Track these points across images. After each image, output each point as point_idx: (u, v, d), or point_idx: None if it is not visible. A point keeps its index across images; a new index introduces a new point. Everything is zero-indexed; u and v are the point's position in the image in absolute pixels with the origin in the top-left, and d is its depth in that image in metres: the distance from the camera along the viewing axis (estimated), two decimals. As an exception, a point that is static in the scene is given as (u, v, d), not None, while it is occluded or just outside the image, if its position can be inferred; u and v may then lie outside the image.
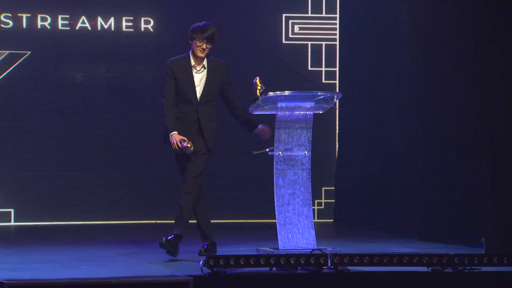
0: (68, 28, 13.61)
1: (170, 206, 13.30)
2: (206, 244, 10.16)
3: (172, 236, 9.90)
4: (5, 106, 13.42)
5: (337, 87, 13.98)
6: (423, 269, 9.46)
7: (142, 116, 13.57)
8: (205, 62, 9.86)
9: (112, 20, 13.73)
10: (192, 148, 9.65)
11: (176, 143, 9.65)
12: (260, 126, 10.16)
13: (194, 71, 9.81)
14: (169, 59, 9.84)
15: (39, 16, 13.51)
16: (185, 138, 9.65)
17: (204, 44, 9.72)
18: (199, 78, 9.83)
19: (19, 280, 8.81)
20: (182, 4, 13.77)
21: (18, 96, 13.45)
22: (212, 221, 13.52)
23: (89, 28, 13.67)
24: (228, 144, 13.74)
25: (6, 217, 13.37)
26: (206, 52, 9.77)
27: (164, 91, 9.83)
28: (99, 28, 13.66)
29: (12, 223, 13.39)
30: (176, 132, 9.70)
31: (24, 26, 13.49)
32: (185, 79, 9.78)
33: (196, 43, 9.71)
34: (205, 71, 9.85)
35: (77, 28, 13.64)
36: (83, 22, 13.65)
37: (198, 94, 9.81)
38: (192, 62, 9.80)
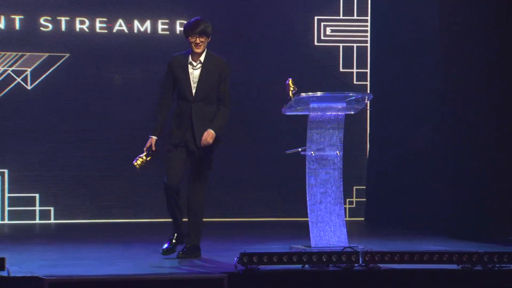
0: (106, 31, 13.65)
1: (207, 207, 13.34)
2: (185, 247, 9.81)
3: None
4: (44, 107, 13.47)
5: (368, 88, 13.94)
6: (453, 266, 9.43)
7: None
8: (202, 58, 9.51)
9: (148, 23, 13.75)
10: (137, 164, 9.41)
11: (146, 147, 9.46)
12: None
13: (190, 67, 9.50)
14: (172, 55, 9.65)
15: (77, 19, 13.56)
16: (151, 149, 9.44)
17: (197, 38, 9.39)
18: (196, 74, 9.51)
19: (58, 276, 8.84)
20: (216, 7, 13.76)
21: (57, 97, 13.49)
22: (249, 219, 13.59)
23: (126, 31, 13.70)
24: (263, 145, 13.75)
25: (46, 215, 13.42)
26: (201, 46, 9.42)
27: (159, 95, 9.63)
28: (135, 31, 13.69)
29: (52, 221, 13.44)
30: (154, 138, 9.50)
31: (63, 29, 13.54)
32: (181, 75, 9.50)
33: (189, 39, 9.42)
34: (201, 67, 9.52)
35: (115, 31, 13.68)
36: (120, 25, 13.69)
37: (193, 91, 9.49)
38: (190, 59, 9.50)
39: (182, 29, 13.68)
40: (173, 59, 9.55)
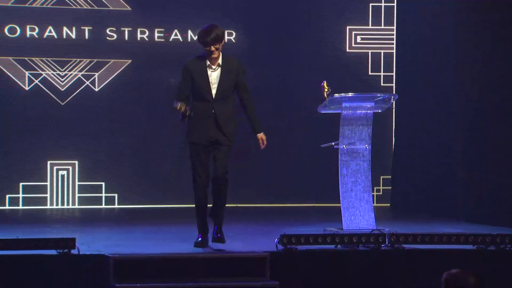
0: (163, 40, 13.68)
1: (251, 191, 13.36)
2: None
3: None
4: (109, 106, 13.52)
5: (394, 90, 13.88)
6: (469, 247, 9.39)
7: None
8: (220, 61, 9.02)
9: (200, 33, 13.76)
10: (183, 109, 8.83)
11: (176, 106, 8.83)
12: (258, 135, 9.31)
13: (209, 70, 9.00)
14: (187, 60, 9.18)
15: (138, 29, 13.59)
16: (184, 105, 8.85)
17: (211, 47, 8.90)
18: (215, 76, 9.01)
19: (121, 254, 8.90)
20: (258, 18, 13.78)
21: (120, 97, 13.54)
22: (290, 204, 13.54)
23: (181, 40, 13.73)
24: (299, 139, 13.74)
25: (111, 201, 13.48)
26: (215, 53, 8.95)
27: (176, 94, 9.12)
28: (189, 39, 13.70)
29: (116, 206, 13.49)
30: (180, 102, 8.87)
31: (126, 38, 13.58)
32: (201, 78, 9.00)
33: (204, 48, 8.96)
34: (220, 69, 9.02)
35: (171, 40, 13.70)
36: (176, 35, 13.71)
37: (214, 91, 8.98)
38: (208, 62, 9.00)
39: (230, 38, 13.80)
40: (189, 63, 9.12)
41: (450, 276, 7.12)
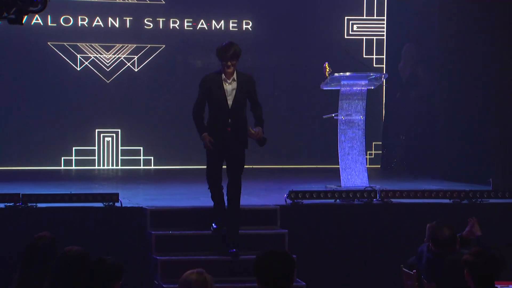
0: (191, 28, 13.62)
1: (264, 154, 13.33)
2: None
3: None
4: (147, 84, 13.51)
5: (384, 70, 13.79)
6: (446, 201, 9.38)
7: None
8: (234, 75, 8.34)
9: (222, 22, 13.70)
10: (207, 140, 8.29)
11: (208, 141, 8.28)
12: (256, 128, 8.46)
13: (225, 83, 8.31)
14: (204, 75, 8.52)
15: (171, 20, 13.53)
16: (210, 143, 8.27)
17: (228, 61, 8.26)
18: (231, 88, 8.33)
19: (157, 207, 8.91)
20: (272, 11, 13.70)
21: (156, 76, 13.52)
22: (297, 166, 13.43)
23: (206, 28, 13.66)
24: (303, 110, 13.69)
25: (148, 163, 13.48)
26: (231, 68, 8.30)
27: (194, 104, 8.45)
28: (213, 28, 13.64)
29: (152, 167, 13.49)
30: (206, 134, 8.32)
31: (160, 27, 13.53)
32: (217, 90, 8.30)
33: (221, 62, 8.31)
34: (235, 83, 8.33)
35: (198, 28, 13.64)
36: (202, 24, 13.64)
37: (230, 102, 8.29)
38: (223, 76, 8.32)
39: (247, 26, 13.73)
40: (206, 77, 8.43)
41: (430, 228, 7.12)
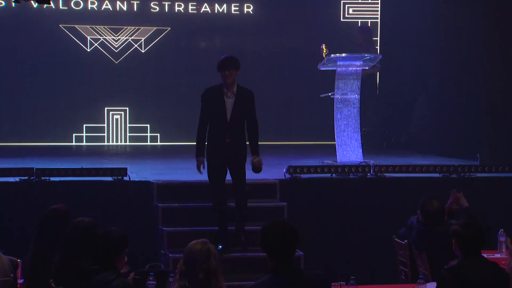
0: (195, 11, 13.58)
1: (265, 131, 13.31)
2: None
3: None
4: (153, 64, 13.49)
5: (378, 51, 13.73)
6: (436, 175, 9.40)
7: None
8: (235, 89, 8.02)
9: (225, 6, 13.66)
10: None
11: (199, 166, 8.09)
12: (254, 159, 8.12)
13: (225, 97, 8.02)
14: (205, 88, 8.20)
15: (176, 3, 13.49)
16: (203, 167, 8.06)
17: (226, 71, 7.95)
18: (230, 103, 8.00)
19: (163, 181, 8.94)
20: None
21: (161, 57, 13.50)
22: (295, 142, 13.39)
23: (209, 11, 13.62)
24: (302, 90, 13.67)
25: (154, 139, 13.49)
26: (231, 78, 7.97)
27: (199, 118, 8.15)
28: (216, 11, 13.60)
29: (158, 143, 13.50)
30: (202, 158, 8.11)
31: (166, 10, 13.49)
32: (217, 104, 8.00)
33: (221, 73, 8.01)
34: (235, 96, 8.02)
35: (201, 11, 13.60)
36: (205, 7, 13.60)
37: (228, 116, 7.98)
38: (224, 90, 8.02)
39: (248, 10, 13.68)
40: (206, 91, 8.13)
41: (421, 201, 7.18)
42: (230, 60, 8.01)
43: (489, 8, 10.66)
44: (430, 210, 6.84)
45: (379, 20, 13.95)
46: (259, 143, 8.19)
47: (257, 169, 8.05)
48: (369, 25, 13.44)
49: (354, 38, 12.67)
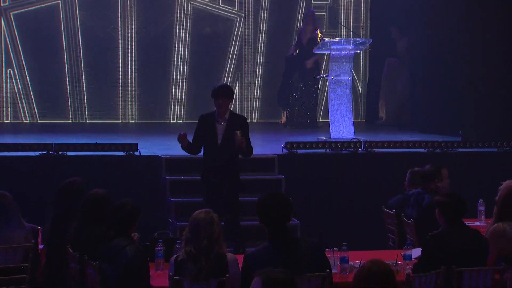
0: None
1: (264, 109, 13.27)
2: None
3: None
4: (164, 49, 13.39)
5: (369, 35, 13.65)
6: (422, 150, 9.41)
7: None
8: (227, 116, 7.62)
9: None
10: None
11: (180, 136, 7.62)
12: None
13: (217, 123, 7.63)
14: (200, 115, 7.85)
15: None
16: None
17: (219, 100, 7.57)
18: (221, 128, 7.60)
19: (171, 155, 8.95)
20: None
21: (169, 44, 13.36)
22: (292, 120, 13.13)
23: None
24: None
25: (163, 117, 13.38)
26: (224, 106, 7.59)
27: (193, 138, 7.75)
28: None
29: (168, 120, 13.34)
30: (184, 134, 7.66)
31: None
32: (209, 129, 7.64)
33: (214, 101, 7.64)
34: (226, 123, 7.60)
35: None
36: (209, -4, 13.42)
37: (219, 141, 7.61)
38: (216, 116, 7.65)
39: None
40: (201, 117, 7.80)
41: (411, 172, 7.24)
42: (224, 89, 7.67)
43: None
44: (426, 171, 6.96)
45: (369, 6, 13.74)
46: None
47: (238, 144, 7.52)
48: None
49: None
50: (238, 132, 7.49)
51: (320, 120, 12.75)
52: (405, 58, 12.62)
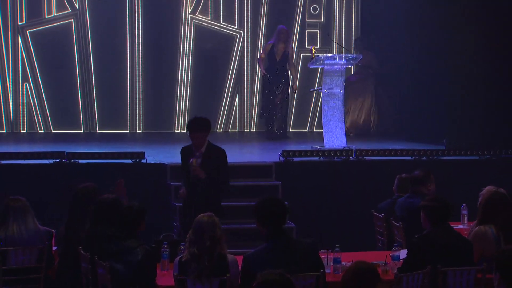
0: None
1: (262, 121, 13.27)
2: None
3: None
4: (165, 65, 13.37)
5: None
6: (409, 158, 9.42)
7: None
8: (203, 148, 7.11)
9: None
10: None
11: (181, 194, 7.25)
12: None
13: (193, 156, 7.14)
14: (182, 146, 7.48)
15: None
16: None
17: (193, 135, 7.08)
18: (198, 161, 7.10)
19: (175, 163, 8.91)
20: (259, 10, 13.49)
21: (169, 60, 13.36)
22: (288, 130, 13.17)
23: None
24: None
25: (169, 127, 13.32)
26: (198, 140, 7.08)
27: (180, 173, 7.50)
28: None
29: (173, 131, 13.29)
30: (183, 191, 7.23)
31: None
32: (187, 161, 7.18)
33: (189, 133, 7.18)
34: (202, 156, 7.12)
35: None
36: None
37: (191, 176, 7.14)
38: (193, 149, 7.18)
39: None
40: (182, 149, 7.37)
41: (399, 178, 7.25)
42: (197, 123, 7.09)
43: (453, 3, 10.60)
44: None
45: (359, 21, 13.68)
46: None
47: (193, 172, 7.07)
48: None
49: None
50: (194, 160, 7.03)
51: (314, 130, 12.76)
52: (367, 73, 12.56)
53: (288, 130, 12.23)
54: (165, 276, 5.60)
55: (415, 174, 6.99)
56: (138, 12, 12.99)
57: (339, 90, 10.05)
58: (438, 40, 10.91)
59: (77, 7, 12.83)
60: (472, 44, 10.50)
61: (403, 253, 5.80)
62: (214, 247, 5.11)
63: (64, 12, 12.81)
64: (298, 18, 13.38)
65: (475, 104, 10.52)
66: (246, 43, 13.27)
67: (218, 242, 5.13)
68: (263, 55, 11.79)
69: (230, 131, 13.19)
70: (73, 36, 12.85)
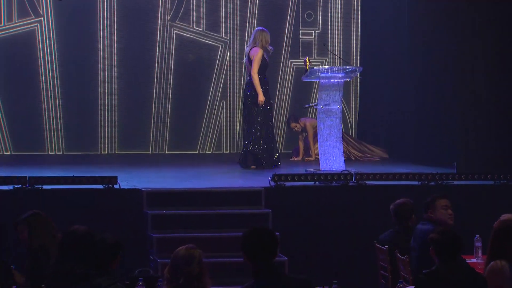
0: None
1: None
2: None
3: None
4: (139, 83, 13.40)
5: (359, 63, 13.68)
6: (415, 183, 9.43)
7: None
8: None
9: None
10: None
11: None
12: None
13: None
14: None
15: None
16: None
17: None
18: None
19: (152, 188, 8.93)
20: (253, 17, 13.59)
21: (145, 77, 13.37)
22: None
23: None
24: (283, 98, 13.66)
25: (145, 148, 13.37)
26: None
27: None
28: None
29: (147, 152, 13.31)
30: None
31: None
32: None
33: None
34: None
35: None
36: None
37: None
38: None
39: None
40: None
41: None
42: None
43: (460, 18, 10.71)
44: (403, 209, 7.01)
45: (359, 32, 13.81)
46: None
47: None
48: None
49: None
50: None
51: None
52: None
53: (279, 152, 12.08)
54: (141, 318, 5.56)
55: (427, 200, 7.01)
56: (111, 19, 13.02)
57: (336, 107, 10.08)
58: (444, 56, 11.01)
59: (41, 13, 12.85)
60: (480, 61, 10.61)
61: (409, 291, 5.80)
62: (190, 285, 5.01)
63: (27, 19, 12.83)
64: (291, 26, 13.46)
65: (487, 125, 10.59)
66: (233, 52, 13.34)
67: (195, 279, 5.02)
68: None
69: (214, 152, 13.21)
70: (37, 46, 12.85)
